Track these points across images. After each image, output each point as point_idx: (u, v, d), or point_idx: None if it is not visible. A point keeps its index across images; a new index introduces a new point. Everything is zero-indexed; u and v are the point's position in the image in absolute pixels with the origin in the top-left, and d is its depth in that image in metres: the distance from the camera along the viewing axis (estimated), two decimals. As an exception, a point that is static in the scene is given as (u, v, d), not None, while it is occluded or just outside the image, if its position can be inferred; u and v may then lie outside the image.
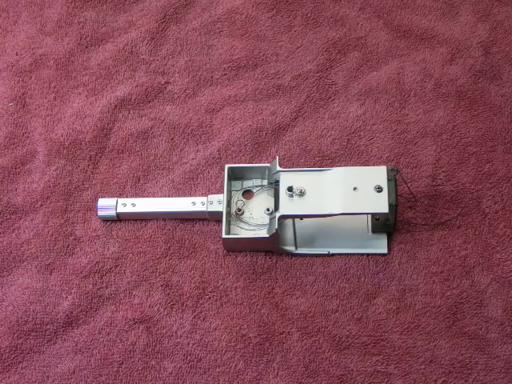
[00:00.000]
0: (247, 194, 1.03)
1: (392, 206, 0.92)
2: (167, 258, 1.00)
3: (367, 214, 0.97)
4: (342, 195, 0.93)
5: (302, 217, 0.97)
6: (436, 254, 0.97)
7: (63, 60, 1.16)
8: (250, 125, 1.09)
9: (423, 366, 0.92)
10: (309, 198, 0.94)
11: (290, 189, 0.95)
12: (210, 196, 1.01)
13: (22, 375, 0.95)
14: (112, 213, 1.02)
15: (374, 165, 1.04)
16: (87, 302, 0.98)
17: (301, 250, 0.99)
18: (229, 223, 0.99)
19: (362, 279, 0.97)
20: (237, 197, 1.02)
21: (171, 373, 0.94)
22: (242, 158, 1.06)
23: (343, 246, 0.99)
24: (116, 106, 1.12)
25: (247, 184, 1.03)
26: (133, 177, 1.06)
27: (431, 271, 0.97)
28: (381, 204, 0.92)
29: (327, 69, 1.12)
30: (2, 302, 0.99)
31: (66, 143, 1.09)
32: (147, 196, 1.05)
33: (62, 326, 0.97)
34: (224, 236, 0.97)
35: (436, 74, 1.10)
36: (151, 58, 1.16)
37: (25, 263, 1.01)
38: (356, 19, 1.16)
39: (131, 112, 1.11)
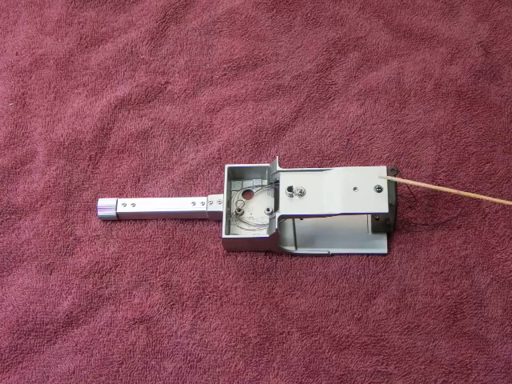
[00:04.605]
0: (247, 193, 1.03)
1: (392, 206, 0.92)
2: (167, 258, 1.00)
3: (367, 213, 0.97)
4: (342, 195, 0.93)
5: (301, 217, 0.97)
6: (436, 254, 0.97)
7: (63, 60, 1.16)
8: (250, 125, 1.09)
9: (423, 366, 0.92)
10: (309, 198, 0.94)
11: (289, 189, 0.95)
12: (209, 196, 1.01)
13: (21, 375, 0.95)
14: (112, 213, 1.02)
15: (374, 165, 1.04)
16: (87, 302, 0.98)
17: (301, 250, 0.99)
18: (229, 223, 0.99)
19: (362, 279, 0.97)
20: (237, 197, 1.02)
21: (171, 373, 0.94)
22: (242, 158, 1.06)
23: (343, 245, 0.99)
24: (116, 106, 1.12)
25: (247, 184, 1.03)
26: (133, 177, 1.06)
27: (431, 271, 0.97)
28: (381, 204, 0.92)
29: (327, 69, 1.12)
30: (2, 302, 0.99)
31: (66, 143, 1.09)
32: (147, 196, 1.05)
33: (62, 326, 0.97)
34: (224, 236, 0.97)
35: (436, 73, 1.10)
36: (151, 58, 1.16)
37: (25, 263, 1.01)
38: (356, 19, 1.16)
39: (131, 112, 1.11)
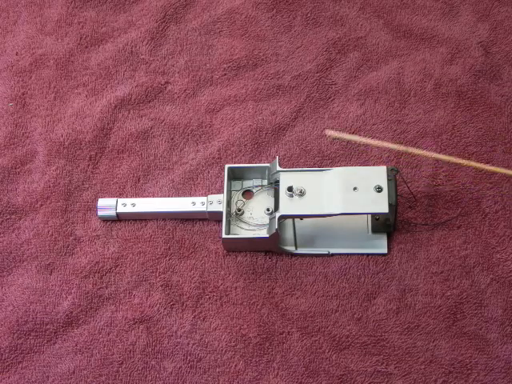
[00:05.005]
0: (247, 193, 1.03)
1: (392, 206, 0.92)
2: (167, 258, 1.00)
3: (367, 213, 0.97)
4: (342, 195, 0.93)
5: (301, 217, 0.97)
6: (436, 254, 0.97)
7: (63, 60, 1.16)
8: (250, 125, 1.09)
9: (423, 366, 0.92)
10: (309, 198, 0.94)
11: (289, 189, 0.95)
12: (209, 196, 1.01)
13: (21, 375, 0.95)
14: (112, 213, 1.02)
15: (373, 165, 1.04)
16: (87, 302, 0.98)
17: (301, 250, 0.99)
18: (229, 223, 0.99)
19: (362, 279, 0.97)
20: (237, 197, 1.02)
21: (171, 373, 0.94)
22: (242, 158, 1.06)
23: (343, 245, 0.99)
24: (116, 106, 1.12)
25: (247, 184, 1.03)
26: (133, 177, 1.06)
27: (431, 271, 0.97)
28: (381, 204, 0.92)
29: (327, 69, 1.12)
30: (2, 302, 0.99)
31: (66, 143, 1.09)
32: (147, 196, 1.05)
33: (62, 326, 0.97)
34: (224, 236, 0.97)
35: (436, 73, 1.10)
36: (151, 58, 1.16)
37: (25, 263, 1.01)
38: (356, 19, 1.16)
39: (131, 112, 1.11)
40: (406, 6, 1.17)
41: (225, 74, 1.13)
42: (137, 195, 1.05)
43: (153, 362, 0.94)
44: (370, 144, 0.90)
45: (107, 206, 1.02)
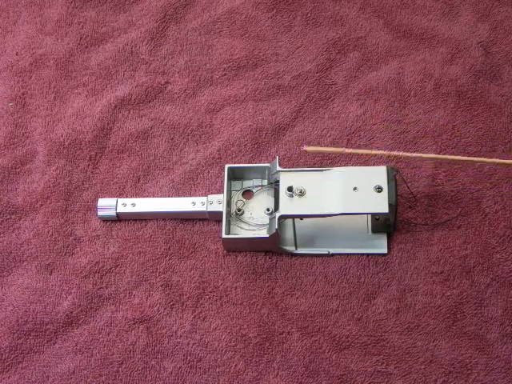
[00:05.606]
0: (247, 193, 1.03)
1: (392, 206, 0.92)
2: (167, 258, 1.00)
3: (367, 213, 0.97)
4: (342, 195, 0.93)
5: (301, 217, 0.97)
6: (436, 254, 0.97)
7: (63, 60, 1.16)
8: (250, 125, 1.09)
9: (423, 366, 0.92)
10: (309, 198, 0.94)
11: (289, 189, 0.95)
12: (209, 196, 1.01)
13: (21, 375, 0.95)
14: (112, 213, 1.02)
15: (373, 165, 1.04)
16: (87, 302, 0.98)
17: (301, 250, 0.99)
18: (229, 223, 0.99)
19: (362, 279, 0.97)
20: (237, 197, 1.02)
21: (171, 373, 0.94)
22: (242, 158, 1.06)
23: (343, 245, 0.99)
24: (116, 106, 1.12)
25: (247, 184, 1.03)
26: (133, 177, 1.06)
27: (431, 271, 0.97)
28: (381, 204, 0.92)
29: (327, 69, 1.12)
30: (2, 302, 0.99)
31: (66, 143, 1.09)
32: (147, 196, 1.05)
33: (62, 326, 0.97)
34: (224, 236, 0.97)
35: (436, 73, 1.10)
36: (151, 58, 1.16)
37: (25, 263, 1.01)
38: (356, 19, 1.16)
39: (131, 112, 1.11)
40: (406, 5, 1.17)
41: (225, 74, 1.13)
42: (137, 195, 1.05)
43: (153, 362, 0.94)
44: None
45: (107, 206, 1.02)
